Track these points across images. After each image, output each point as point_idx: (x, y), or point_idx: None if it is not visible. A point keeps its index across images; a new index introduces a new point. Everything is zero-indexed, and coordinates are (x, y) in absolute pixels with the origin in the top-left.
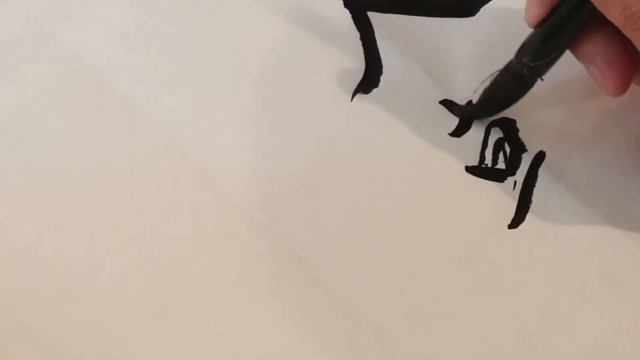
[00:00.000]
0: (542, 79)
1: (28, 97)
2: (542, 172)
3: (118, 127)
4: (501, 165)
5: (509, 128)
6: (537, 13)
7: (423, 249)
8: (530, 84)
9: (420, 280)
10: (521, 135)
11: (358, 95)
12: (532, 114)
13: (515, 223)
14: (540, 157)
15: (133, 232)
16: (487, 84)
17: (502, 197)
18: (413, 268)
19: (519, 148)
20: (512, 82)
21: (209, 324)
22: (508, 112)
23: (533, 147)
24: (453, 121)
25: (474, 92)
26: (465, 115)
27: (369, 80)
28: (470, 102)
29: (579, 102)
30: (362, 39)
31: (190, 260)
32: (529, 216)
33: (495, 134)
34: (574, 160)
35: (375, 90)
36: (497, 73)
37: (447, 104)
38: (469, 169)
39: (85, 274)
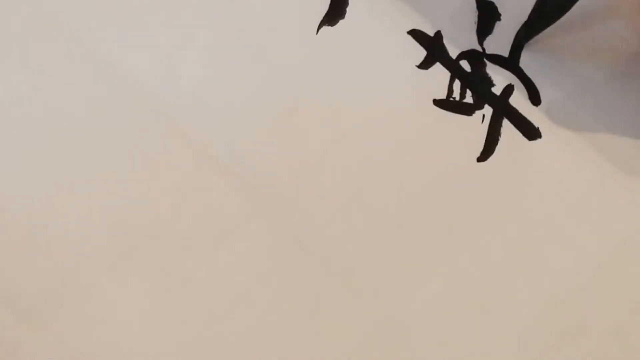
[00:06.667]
0: None
1: None
2: (510, 104)
3: (77, 71)
4: (469, 99)
5: (477, 61)
6: None
7: (389, 184)
8: None
9: (387, 217)
10: (488, 68)
11: (324, 28)
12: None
13: (484, 156)
14: (508, 90)
15: (93, 177)
16: None
17: (470, 130)
18: (380, 204)
19: (486, 81)
20: None
21: (171, 268)
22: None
23: (500, 80)
24: (421, 53)
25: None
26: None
27: (335, 12)
28: (439, 32)
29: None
30: None
31: (152, 204)
32: (498, 149)
33: (463, 67)
34: (542, 92)
35: (341, 21)
36: None
37: (416, 34)
38: (437, 102)
39: (45, 219)
